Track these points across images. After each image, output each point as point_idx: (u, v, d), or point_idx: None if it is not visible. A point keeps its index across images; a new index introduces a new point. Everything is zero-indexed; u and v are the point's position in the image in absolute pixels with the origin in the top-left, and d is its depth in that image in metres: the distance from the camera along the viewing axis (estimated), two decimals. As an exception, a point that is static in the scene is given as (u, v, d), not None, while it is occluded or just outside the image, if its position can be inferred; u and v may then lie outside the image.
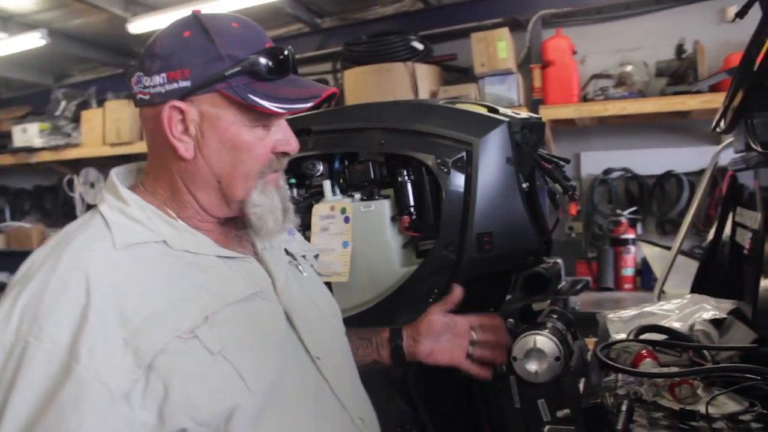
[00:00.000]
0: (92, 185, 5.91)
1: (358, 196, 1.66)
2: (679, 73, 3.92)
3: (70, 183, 5.95)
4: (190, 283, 1.12)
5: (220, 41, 1.12)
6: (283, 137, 1.21)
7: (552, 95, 4.17)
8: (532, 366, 1.48)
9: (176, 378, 1.03)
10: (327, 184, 1.68)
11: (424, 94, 4.30)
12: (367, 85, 4.40)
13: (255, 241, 1.31)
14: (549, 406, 1.50)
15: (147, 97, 1.15)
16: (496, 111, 1.66)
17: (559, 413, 1.48)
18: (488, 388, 1.65)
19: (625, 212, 4.17)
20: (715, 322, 1.86)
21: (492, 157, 1.53)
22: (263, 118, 1.17)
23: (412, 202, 1.60)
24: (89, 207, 5.85)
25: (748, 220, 2.06)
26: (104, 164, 5.93)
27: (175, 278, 1.11)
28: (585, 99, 4.18)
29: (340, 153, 1.69)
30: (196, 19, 1.16)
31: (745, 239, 2.09)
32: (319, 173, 1.69)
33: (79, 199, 5.92)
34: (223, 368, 1.08)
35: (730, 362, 1.56)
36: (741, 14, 1.66)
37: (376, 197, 1.63)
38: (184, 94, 1.12)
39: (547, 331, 1.49)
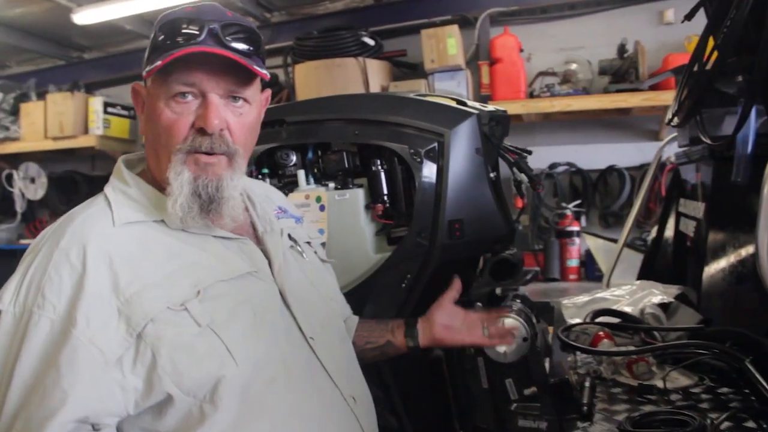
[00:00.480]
0: (32, 180, 5.73)
1: (332, 185, 1.70)
2: (621, 71, 4.07)
3: (9, 178, 5.76)
4: (184, 259, 1.18)
5: (157, 28, 1.21)
6: (201, 113, 1.19)
7: (500, 91, 4.26)
8: (501, 347, 1.55)
9: (164, 346, 1.09)
10: (301, 174, 1.71)
11: (374, 89, 4.34)
12: (318, 79, 4.41)
13: (256, 224, 1.36)
14: (516, 385, 1.56)
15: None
16: (464, 104, 1.72)
17: (526, 391, 1.55)
18: (456, 370, 1.71)
19: (570, 205, 4.29)
20: (663, 306, 1.98)
21: (462, 147, 1.59)
22: (172, 89, 1.18)
23: (385, 191, 1.65)
24: (30, 202, 5.72)
25: (692, 210, 2.19)
26: (45, 158, 5.76)
27: (170, 255, 1.18)
28: (531, 95, 4.29)
29: (313, 143, 1.73)
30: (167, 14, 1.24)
31: (688, 228, 2.21)
32: (292, 163, 1.73)
33: (19, 195, 5.73)
34: (210, 340, 1.13)
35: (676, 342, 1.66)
36: (689, 17, 1.77)
37: (351, 186, 1.68)
38: (149, 72, 1.19)
39: (514, 313, 1.56)
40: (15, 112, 5.53)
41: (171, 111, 1.18)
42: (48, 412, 1.04)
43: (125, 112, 5.54)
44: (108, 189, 1.24)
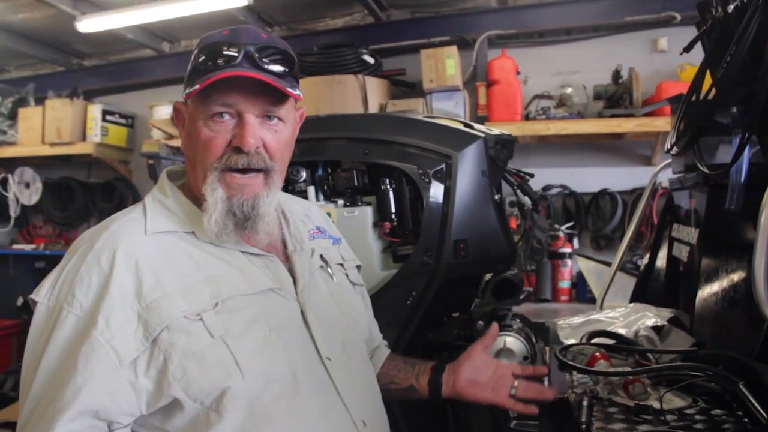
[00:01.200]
0: (27, 185, 5.73)
1: (341, 202, 1.75)
2: (616, 97, 4.15)
3: (4, 182, 5.75)
4: (208, 271, 1.24)
5: (196, 50, 1.28)
6: (237, 132, 1.24)
7: (496, 113, 4.33)
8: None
9: (175, 353, 1.15)
10: (311, 190, 1.76)
11: (373, 107, 4.40)
12: (318, 95, 4.46)
13: (287, 241, 1.40)
14: (516, 403, 1.59)
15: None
16: (471, 127, 1.77)
17: (525, 409, 1.58)
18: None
19: (563, 227, 4.36)
20: (656, 329, 2.01)
21: (469, 169, 1.64)
22: (211, 109, 1.24)
23: (393, 209, 1.69)
24: (24, 207, 5.71)
25: (685, 235, 2.24)
26: (42, 164, 5.78)
27: (195, 266, 1.23)
28: (527, 118, 4.37)
29: (323, 161, 1.77)
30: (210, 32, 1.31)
31: (682, 253, 2.26)
32: (302, 179, 1.77)
33: (13, 199, 5.73)
34: (221, 352, 1.18)
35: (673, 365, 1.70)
36: (687, 49, 1.82)
37: (359, 204, 1.72)
38: (189, 94, 1.26)
39: (514, 331, 1.60)
40: (13, 116, 5.56)
41: (209, 129, 1.24)
42: (62, 404, 1.11)
43: (123, 121, 5.57)
44: (148, 198, 1.32)
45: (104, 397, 1.12)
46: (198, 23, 5.04)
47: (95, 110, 5.37)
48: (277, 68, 1.25)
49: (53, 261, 5.52)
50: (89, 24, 4.51)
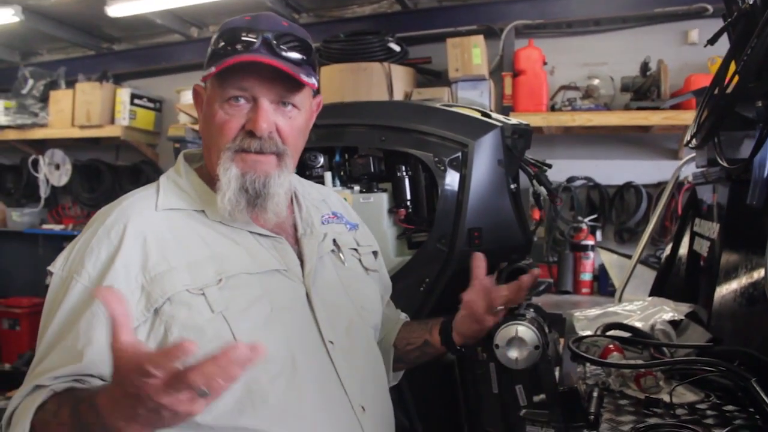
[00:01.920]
0: (57, 167, 5.83)
1: (357, 188, 1.76)
2: (643, 89, 4.10)
3: (35, 163, 5.86)
4: (215, 249, 1.27)
5: (216, 35, 1.31)
6: (252, 116, 1.27)
7: (522, 103, 4.31)
8: (513, 353, 1.59)
9: (175, 325, 1.19)
10: (328, 176, 1.77)
11: (398, 95, 4.40)
12: (343, 82, 4.47)
13: (298, 225, 1.41)
14: (526, 392, 1.60)
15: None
16: (488, 116, 1.77)
17: (536, 398, 1.58)
18: (468, 374, 1.75)
19: (586, 219, 4.33)
20: (673, 323, 2.00)
21: (485, 158, 1.64)
22: (228, 93, 1.27)
23: (408, 197, 1.70)
24: (53, 188, 5.81)
25: (707, 230, 2.22)
26: (71, 146, 5.87)
27: (202, 243, 1.27)
28: (553, 109, 4.33)
29: (340, 147, 1.78)
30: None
31: (702, 248, 2.24)
32: (319, 165, 1.78)
33: (44, 180, 5.84)
34: (220, 327, 1.21)
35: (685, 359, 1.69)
36: (712, 41, 1.80)
37: (375, 190, 1.73)
38: (205, 77, 1.31)
39: (527, 321, 1.60)
40: (44, 99, 5.64)
41: (224, 112, 1.27)
42: (60, 363, 1.16)
43: (151, 105, 5.63)
44: (163, 177, 1.37)
45: (100, 360, 1.15)
46: (226, 8, 5.06)
47: (124, 94, 5.43)
48: (295, 56, 1.27)
49: (80, 241, 5.68)
50: (119, 8, 4.58)
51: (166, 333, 1.19)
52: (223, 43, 1.27)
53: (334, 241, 1.48)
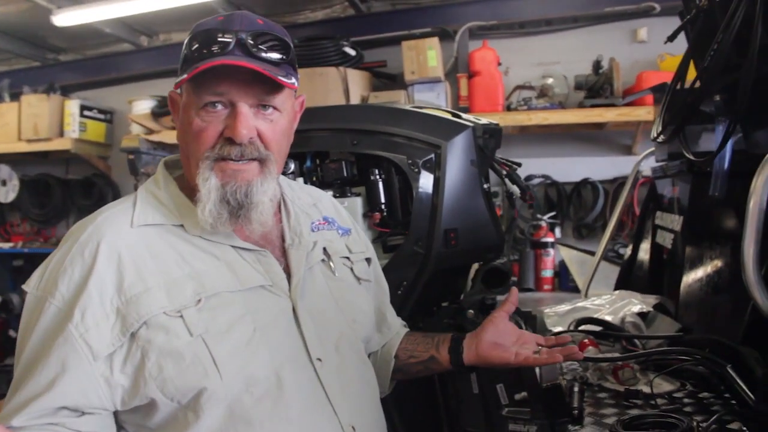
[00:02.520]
0: (3, 183, 5.64)
1: (330, 193, 1.74)
2: (596, 87, 4.17)
3: (-21, 179, 5.68)
4: (194, 266, 1.20)
5: (188, 38, 1.23)
6: (230, 123, 1.20)
7: (478, 104, 4.34)
8: (494, 353, 1.59)
9: (153, 351, 1.13)
10: (300, 182, 1.75)
11: (355, 99, 4.39)
12: (299, 88, 4.38)
13: (285, 234, 1.35)
14: (507, 390, 1.61)
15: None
16: (459, 116, 1.78)
17: (517, 396, 1.60)
18: (448, 375, 1.75)
19: (545, 217, 4.38)
20: (642, 315, 2.05)
21: (458, 159, 1.65)
22: (202, 99, 1.20)
23: (383, 200, 1.69)
24: (1, 205, 5.62)
25: (669, 222, 2.27)
26: (18, 161, 5.68)
27: (180, 260, 1.20)
28: (509, 108, 4.38)
29: (311, 152, 1.76)
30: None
31: (665, 240, 2.29)
32: (290, 171, 1.76)
33: (-10, 196, 5.65)
34: (199, 351, 1.15)
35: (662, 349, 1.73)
36: (672, 38, 1.85)
37: (349, 194, 1.72)
38: (177, 84, 1.23)
39: (505, 320, 1.61)
40: (-14, 112, 5.46)
41: (201, 120, 1.20)
42: (32, 394, 1.11)
43: (102, 116, 5.51)
44: (141, 189, 1.29)
45: (75, 392, 1.12)
46: (177, 16, 5.00)
47: (73, 105, 5.29)
48: (273, 56, 1.21)
49: (31, 259, 5.53)
50: (66, 18, 4.45)
51: (143, 358, 1.13)
52: (196, 46, 1.20)
53: (325, 249, 1.41)
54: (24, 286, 1.21)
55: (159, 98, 5.05)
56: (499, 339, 1.42)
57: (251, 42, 1.19)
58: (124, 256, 1.17)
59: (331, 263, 1.41)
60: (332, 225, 1.47)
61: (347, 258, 1.46)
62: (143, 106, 5.00)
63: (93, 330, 1.12)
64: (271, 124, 1.24)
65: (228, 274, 1.22)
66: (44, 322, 1.15)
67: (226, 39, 1.18)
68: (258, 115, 1.22)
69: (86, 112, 5.37)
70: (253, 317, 1.21)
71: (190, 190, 1.27)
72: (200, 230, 1.23)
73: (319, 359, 1.27)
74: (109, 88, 5.69)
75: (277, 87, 1.22)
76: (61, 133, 5.31)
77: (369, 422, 1.35)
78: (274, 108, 1.24)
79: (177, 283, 1.17)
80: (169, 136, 4.83)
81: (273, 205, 1.32)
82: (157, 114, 4.92)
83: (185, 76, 1.19)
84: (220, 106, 1.20)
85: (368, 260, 1.53)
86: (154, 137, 4.84)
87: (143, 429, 1.20)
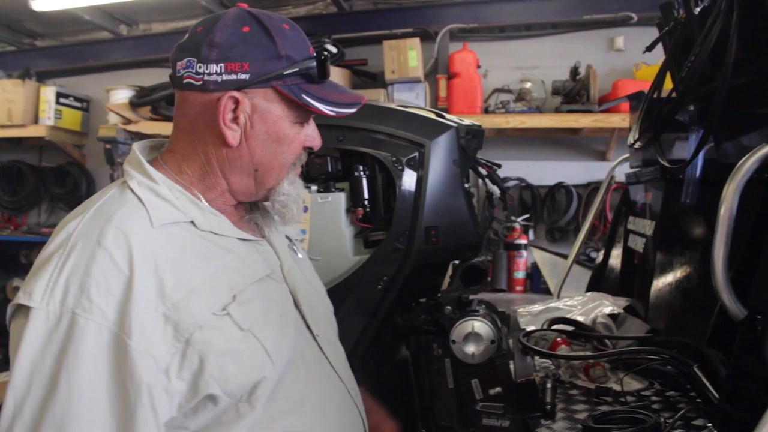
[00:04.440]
0: (-24, 168, 5.57)
1: (314, 188, 1.77)
2: (573, 93, 4.25)
3: (-49, 164, 5.59)
4: (217, 262, 1.19)
5: (279, 41, 1.20)
6: (311, 134, 1.32)
7: (456, 105, 4.39)
8: (470, 348, 1.64)
9: (212, 353, 1.09)
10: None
11: (334, 96, 4.40)
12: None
13: (263, 225, 1.39)
14: (482, 385, 1.65)
15: (198, 82, 1.19)
16: (443, 116, 1.82)
17: (491, 391, 1.63)
18: (423, 370, 1.79)
19: (519, 219, 4.45)
20: (612, 317, 2.10)
21: (441, 158, 1.69)
22: (304, 116, 1.27)
23: (366, 196, 1.72)
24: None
25: (641, 227, 2.32)
26: (-8, 146, 5.63)
27: (204, 257, 1.17)
28: (487, 111, 4.44)
29: (297, 147, 1.78)
30: (251, 15, 1.22)
31: (637, 245, 2.35)
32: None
33: (-39, 182, 5.56)
34: (252, 344, 1.15)
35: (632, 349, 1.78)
36: (650, 48, 1.90)
37: (333, 189, 1.75)
38: (240, 86, 1.19)
39: (481, 317, 1.65)
40: (-41, 97, 5.37)
41: (296, 132, 1.28)
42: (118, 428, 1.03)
43: (78, 104, 5.46)
44: (133, 184, 1.19)
45: (155, 412, 1.06)
46: (157, 6, 4.97)
47: (49, 92, 5.24)
48: None
49: (1, 247, 5.43)
50: (45, 2, 4.39)
51: (202, 362, 1.08)
52: (325, 71, 1.26)
53: (286, 235, 1.47)
54: (23, 300, 1.04)
55: (137, 88, 5.02)
56: None
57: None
58: (158, 259, 1.10)
59: (295, 246, 1.47)
60: None
61: (300, 240, 1.58)
62: (121, 95, 4.96)
63: (154, 342, 1.05)
64: None
65: (243, 267, 1.23)
66: (86, 343, 1.01)
67: (327, 70, 1.27)
68: None
69: (62, 100, 5.31)
70: (274, 305, 1.26)
71: (183, 186, 1.24)
72: (209, 225, 1.22)
73: (318, 335, 1.35)
74: (87, 76, 5.64)
75: None
76: (36, 120, 5.25)
77: (356, 387, 1.45)
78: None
79: (211, 281, 1.15)
80: (147, 127, 4.81)
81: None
82: (136, 104, 4.88)
83: (351, 109, 1.30)
84: (308, 119, 1.31)
85: (302, 240, 1.65)
86: (132, 127, 4.81)
87: (179, 430, 1.13)
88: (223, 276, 1.17)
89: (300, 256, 1.49)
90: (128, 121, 4.83)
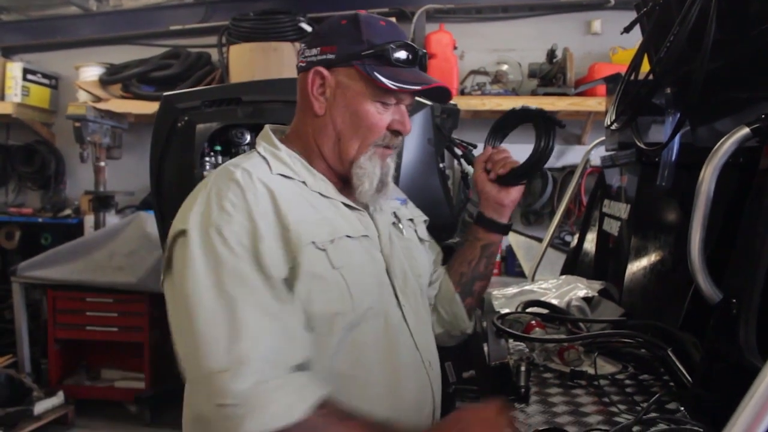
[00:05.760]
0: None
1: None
2: (550, 76, 4.25)
3: None
4: (323, 212, 1.37)
5: (365, 29, 1.38)
6: (399, 118, 1.42)
7: (433, 87, 4.35)
8: (442, 331, 1.62)
9: (304, 274, 1.26)
10: (255, 154, 1.73)
11: (310, 76, 4.34)
12: (253, 61, 4.39)
13: (368, 203, 1.49)
14: (455, 368, 1.64)
15: (303, 64, 1.42)
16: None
17: (465, 374, 1.63)
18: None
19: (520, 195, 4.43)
20: (587, 300, 2.10)
21: (415, 137, 1.66)
22: (383, 95, 1.38)
23: (338, 175, 1.69)
24: None
25: (616, 211, 2.32)
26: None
27: (312, 206, 1.37)
28: (463, 93, 4.42)
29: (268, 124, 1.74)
30: (356, 15, 1.41)
31: (612, 228, 2.35)
32: (246, 142, 1.74)
33: None
34: (339, 280, 1.31)
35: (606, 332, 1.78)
36: (628, 29, 1.88)
37: (305, 169, 1.71)
38: (328, 64, 1.39)
39: (456, 300, 1.63)
40: None
41: (377, 111, 1.40)
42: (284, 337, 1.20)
43: (46, 81, 5.34)
44: (260, 148, 1.42)
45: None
46: (128, -19, 4.87)
47: (15, 68, 5.11)
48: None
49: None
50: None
51: (295, 280, 1.25)
52: (401, 57, 1.38)
53: (395, 214, 1.59)
54: (180, 225, 1.26)
55: (108, 65, 4.91)
56: (489, 188, 1.68)
57: (423, 60, 1.43)
58: (275, 192, 1.29)
59: (400, 225, 1.59)
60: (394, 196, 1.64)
61: (411, 221, 1.65)
62: (91, 72, 4.87)
63: (275, 255, 1.24)
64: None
65: (345, 223, 1.40)
66: (233, 244, 1.21)
67: (414, 54, 1.41)
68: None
69: (29, 76, 5.19)
70: (365, 262, 1.40)
71: (304, 156, 1.44)
72: (318, 187, 1.40)
73: (403, 305, 1.46)
74: (55, 53, 5.51)
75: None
76: (2, 97, 5.13)
77: (437, 360, 1.54)
78: (406, 105, 1.45)
79: (316, 222, 1.32)
80: (118, 105, 4.72)
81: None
82: (106, 81, 4.78)
83: (416, 87, 1.39)
84: (391, 102, 1.40)
85: (425, 222, 1.72)
86: (102, 105, 4.72)
87: None
88: (326, 222, 1.35)
89: (405, 234, 1.59)
90: (98, 99, 4.73)
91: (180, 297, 1.21)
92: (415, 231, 1.66)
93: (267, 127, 1.50)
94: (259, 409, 1.10)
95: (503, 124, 1.71)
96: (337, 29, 1.41)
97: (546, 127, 1.60)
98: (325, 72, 1.40)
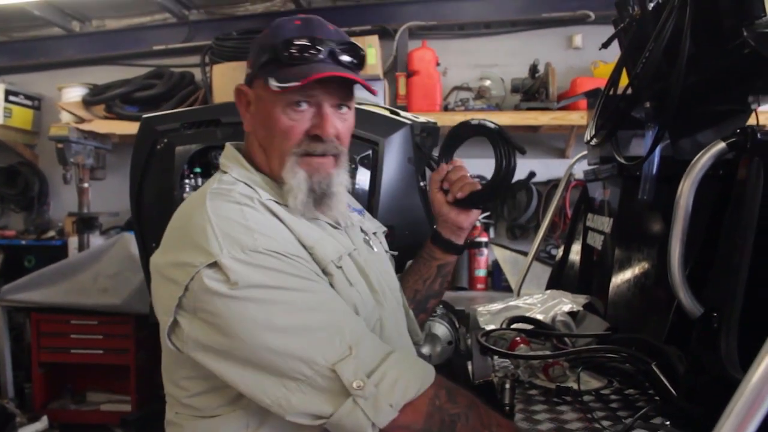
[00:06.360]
0: None
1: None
2: (532, 90, 4.27)
3: None
4: (321, 231, 1.36)
5: (271, 34, 1.33)
6: (317, 122, 1.33)
7: (416, 103, 4.38)
8: (427, 350, 1.61)
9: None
10: (236, 175, 1.72)
11: (293, 94, 4.35)
12: (236, 81, 4.19)
13: (338, 219, 1.45)
14: (439, 387, 1.62)
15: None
16: (397, 114, 1.79)
17: (450, 392, 1.60)
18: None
19: (480, 217, 4.44)
20: (572, 314, 2.09)
21: (395, 156, 1.65)
22: (289, 99, 1.30)
23: (320, 195, 1.68)
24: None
25: (599, 224, 2.33)
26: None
27: (310, 227, 1.34)
28: (446, 109, 4.43)
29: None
30: (273, 22, 1.37)
31: (596, 242, 2.35)
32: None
33: None
34: (356, 297, 1.33)
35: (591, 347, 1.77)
36: (606, 45, 1.89)
37: (284, 189, 1.70)
38: (249, 80, 1.38)
39: (438, 317, 1.63)
40: None
41: (288, 118, 1.32)
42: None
43: (29, 102, 5.31)
44: (235, 174, 1.36)
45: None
46: (111, 2, 4.87)
47: (-3, 90, 5.09)
48: (352, 62, 1.34)
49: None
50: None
51: None
52: (285, 51, 1.29)
53: (361, 228, 1.55)
54: (203, 262, 1.16)
55: (91, 86, 4.89)
56: (447, 210, 1.66)
57: (338, 50, 1.32)
58: (280, 216, 1.28)
59: (370, 241, 1.56)
60: (350, 208, 1.58)
61: (375, 234, 1.62)
62: (74, 93, 4.85)
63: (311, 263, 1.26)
64: (345, 123, 1.39)
65: (336, 242, 1.37)
66: (278, 266, 1.19)
67: (321, 48, 1.30)
68: (335, 114, 1.36)
69: (12, 98, 5.17)
70: (361, 275, 1.40)
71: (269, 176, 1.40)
72: (300, 210, 1.34)
73: (388, 319, 1.46)
74: (38, 74, 5.49)
75: (352, 89, 1.37)
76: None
77: None
78: (347, 107, 1.39)
79: (323, 242, 1.31)
80: (101, 126, 4.70)
81: (345, 195, 1.46)
82: (89, 102, 4.76)
83: (296, 83, 1.26)
84: (305, 106, 1.32)
85: (384, 232, 1.69)
86: (85, 126, 4.69)
87: None
88: (328, 240, 1.34)
89: (375, 249, 1.57)
90: (81, 120, 4.71)
91: (249, 319, 1.15)
92: (381, 244, 1.64)
93: (229, 146, 1.46)
94: (400, 380, 1.15)
95: (457, 134, 1.71)
96: (256, 41, 1.38)
97: (506, 149, 1.59)
98: (244, 88, 1.39)
